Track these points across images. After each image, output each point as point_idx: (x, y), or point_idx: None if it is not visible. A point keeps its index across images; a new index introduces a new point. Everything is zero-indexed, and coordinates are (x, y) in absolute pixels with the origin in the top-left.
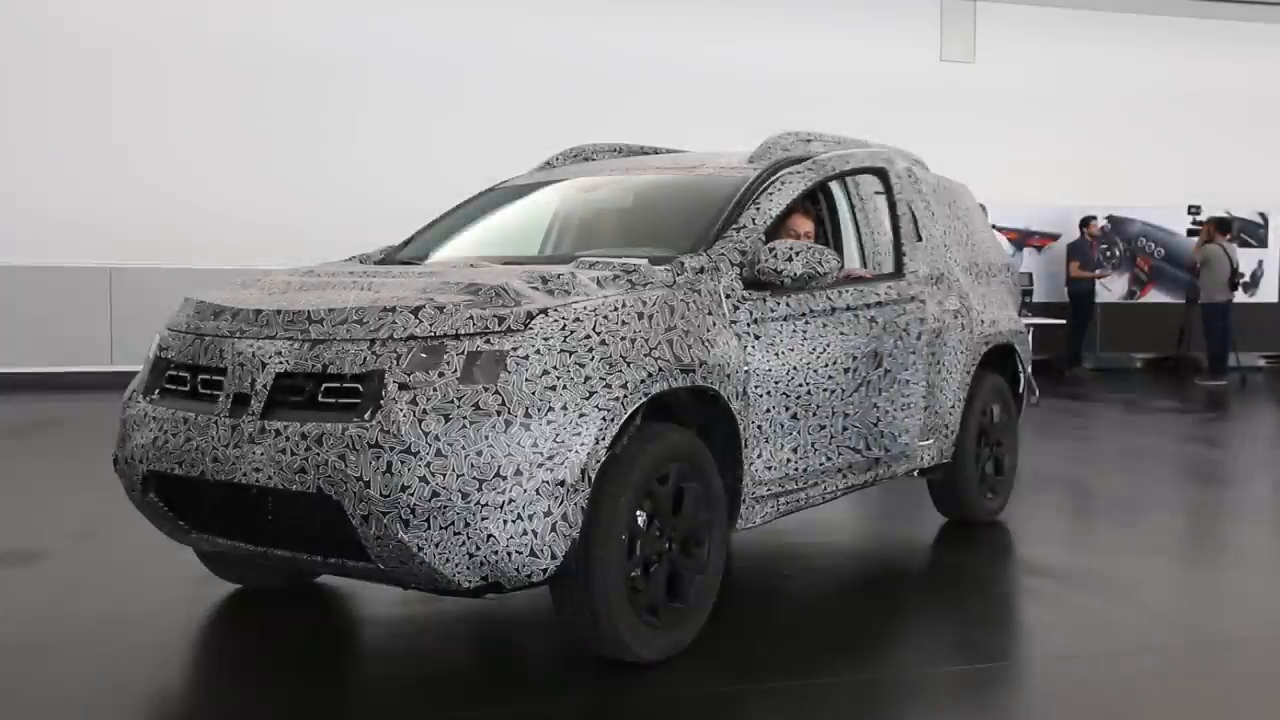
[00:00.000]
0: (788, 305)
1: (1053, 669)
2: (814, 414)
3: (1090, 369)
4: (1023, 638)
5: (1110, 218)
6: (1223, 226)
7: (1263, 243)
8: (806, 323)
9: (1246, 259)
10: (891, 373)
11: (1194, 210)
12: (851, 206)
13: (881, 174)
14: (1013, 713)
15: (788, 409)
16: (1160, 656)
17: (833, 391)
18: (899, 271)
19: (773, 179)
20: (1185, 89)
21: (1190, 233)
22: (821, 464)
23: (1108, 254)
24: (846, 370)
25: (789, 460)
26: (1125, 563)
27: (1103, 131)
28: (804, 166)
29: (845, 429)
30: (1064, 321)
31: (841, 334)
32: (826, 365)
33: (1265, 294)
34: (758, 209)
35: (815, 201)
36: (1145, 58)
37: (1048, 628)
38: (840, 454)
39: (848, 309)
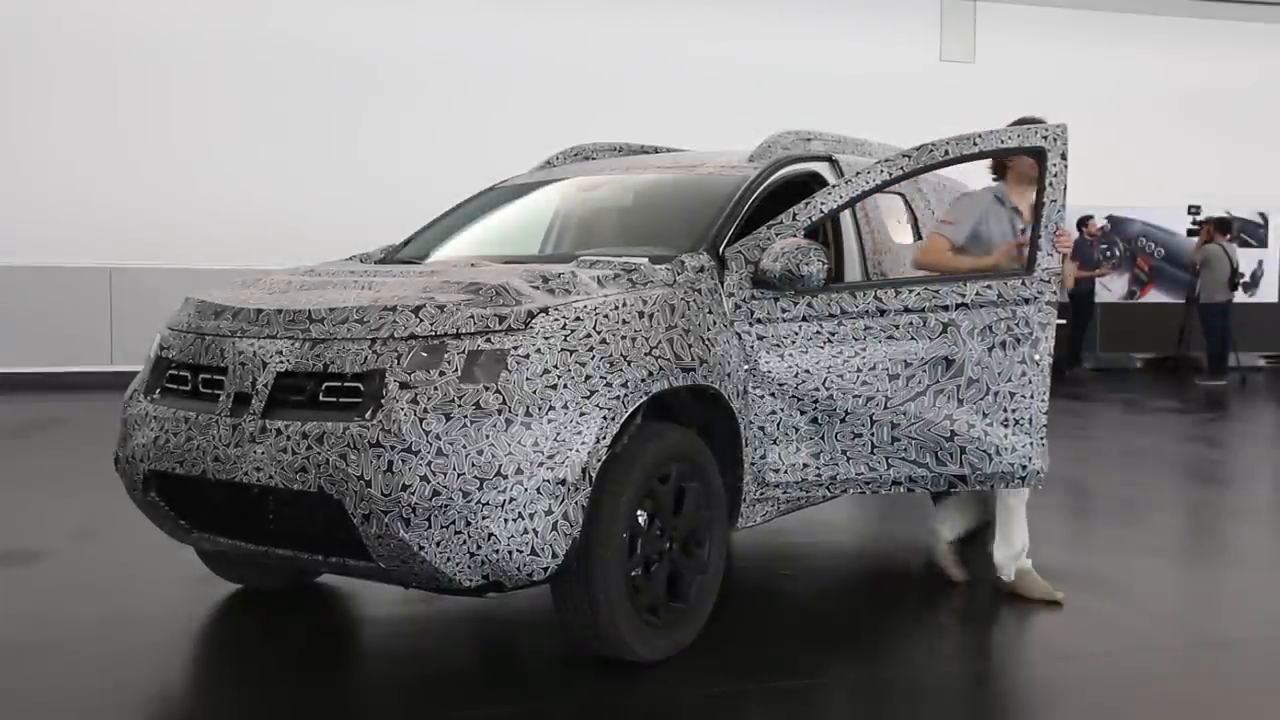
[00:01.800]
0: (809, 306)
1: (1053, 669)
2: (843, 420)
3: (1090, 369)
4: (1023, 638)
5: (1110, 218)
6: (1223, 226)
7: (1263, 243)
8: (839, 324)
9: (1246, 259)
10: (981, 382)
11: (1194, 210)
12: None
13: (1039, 154)
14: (1013, 713)
15: (803, 412)
16: (1160, 656)
17: (870, 399)
18: (1030, 268)
19: (869, 172)
20: (1185, 89)
21: (1190, 233)
22: (860, 474)
23: (1107, 254)
24: (894, 377)
25: (807, 465)
26: (1125, 563)
27: (1102, 131)
28: (899, 156)
29: (896, 440)
30: (1064, 321)
31: (890, 337)
32: (860, 370)
33: (1265, 294)
34: (807, 205)
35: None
36: (1145, 58)
37: (1048, 628)
38: (892, 466)
39: (905, 311)
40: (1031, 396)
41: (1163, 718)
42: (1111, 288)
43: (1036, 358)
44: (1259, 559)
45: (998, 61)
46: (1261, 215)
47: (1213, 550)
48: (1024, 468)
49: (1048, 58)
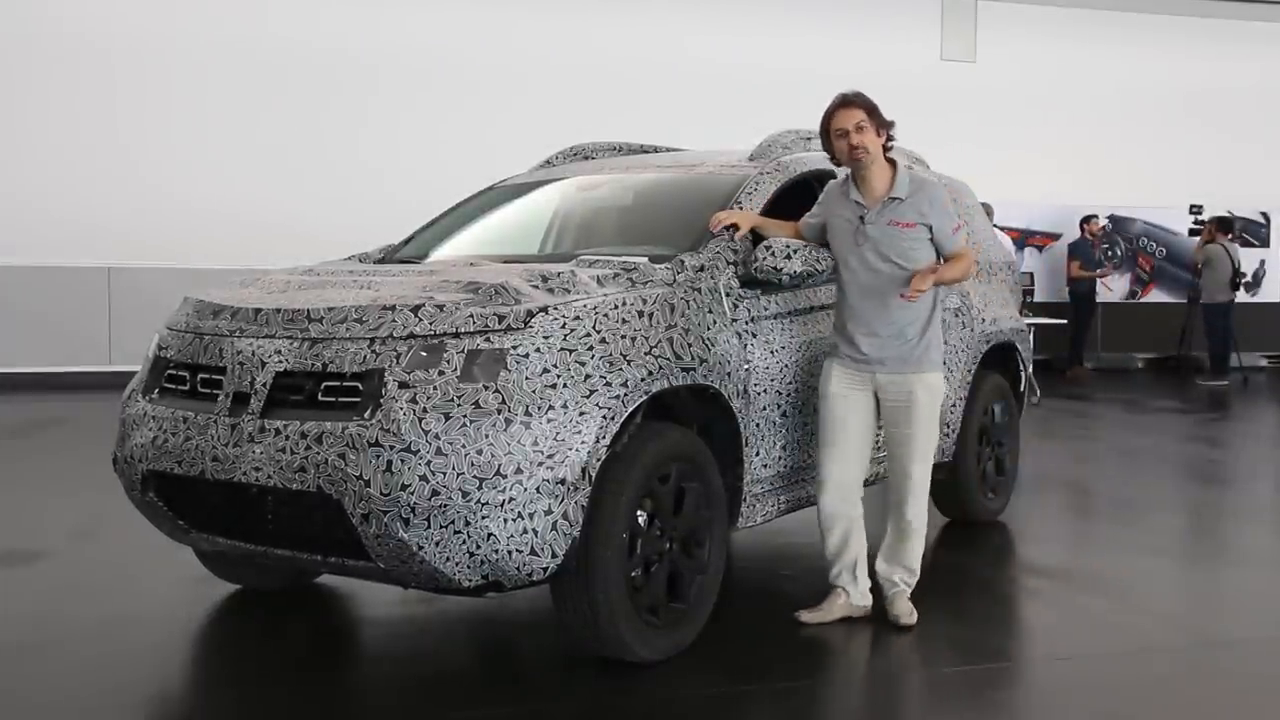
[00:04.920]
0: (776, 304)
1: (1053, 669)
2: (799, 411)
3: (1091, 369)
4: (1023, 638)
5: (1112, 217)
6: (1224, 226)
7: (1265, 242)
8: (791, 321)
9: (1248, 259)
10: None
11: (1196, 210)
12: None
13: (822, 179)
14: (1013, 713)
15: (779, 406)
16: (1161, 656)
17: (813, 389)
18: None
19: (745, 182)
20: (1186, 88)
21: (1192, 232)
22: (804, 461)
23: (1109, 253)
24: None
25: (780, 458)
26: (1125, 563)
27: (1104, 131)
28: (770, 167)
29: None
30: (1065, 321)
31: (820, 331)
32: (809, 362)
33: (1267, 294)
34: (739, 208)
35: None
36: (1146, 57)
37: (1048, 628)
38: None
39: (822, 308)
40: None
41: (1163, 718)
42: (1113, 287)
43: None
44: (1260, 559)
45: (999, 61)
46: (1263, 215)
47: (1214, 550)
48: None
49: (1049, 57)
